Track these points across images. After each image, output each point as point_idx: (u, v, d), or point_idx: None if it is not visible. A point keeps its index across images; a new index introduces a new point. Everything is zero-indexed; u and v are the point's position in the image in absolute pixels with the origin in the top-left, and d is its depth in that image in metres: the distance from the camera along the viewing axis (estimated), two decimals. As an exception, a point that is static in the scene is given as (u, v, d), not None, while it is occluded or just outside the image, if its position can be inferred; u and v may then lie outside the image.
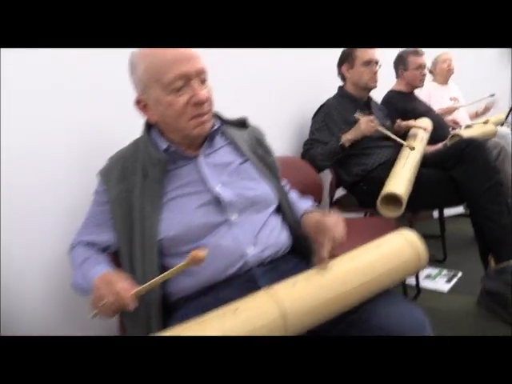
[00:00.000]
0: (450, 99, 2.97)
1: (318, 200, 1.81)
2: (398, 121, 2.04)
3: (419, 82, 2.43)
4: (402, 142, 1.79)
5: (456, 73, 3.00)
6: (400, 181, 1.56)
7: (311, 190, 1.78)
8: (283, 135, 1.96)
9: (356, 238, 0.89)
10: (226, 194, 0.88)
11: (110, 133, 1.17)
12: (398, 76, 2.49)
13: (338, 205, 1.89)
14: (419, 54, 2.40)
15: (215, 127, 0.93)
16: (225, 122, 1.00)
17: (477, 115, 3.04)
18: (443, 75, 2.98)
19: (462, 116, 2.88)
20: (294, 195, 1.08)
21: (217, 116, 0.98)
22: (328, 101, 1.94)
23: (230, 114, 1.04)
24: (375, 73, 1.87)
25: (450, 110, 2.76)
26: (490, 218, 1.53)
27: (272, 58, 1.79)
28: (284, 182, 1.07)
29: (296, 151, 1.95)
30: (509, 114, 3.34)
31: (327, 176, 1.91)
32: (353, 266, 0.76)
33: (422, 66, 2.40)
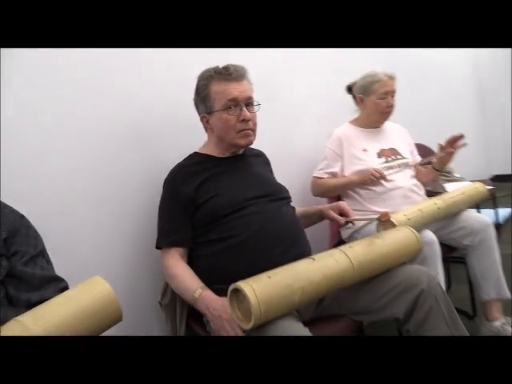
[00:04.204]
0: (380, 154, 1.56)
1: None
2: None
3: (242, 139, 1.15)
4: None
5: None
6: None
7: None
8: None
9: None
10: None
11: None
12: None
13: None
14: (231, 78, 1.14)
15: None
16: None
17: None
18: (377, 113, 1.60)
19: (397, 188, 1.47)
20: None
21: None
22: None
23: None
24: None
25: (368, 181, 1.38)
26: None
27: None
28: None
29: None
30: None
31: None
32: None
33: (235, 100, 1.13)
